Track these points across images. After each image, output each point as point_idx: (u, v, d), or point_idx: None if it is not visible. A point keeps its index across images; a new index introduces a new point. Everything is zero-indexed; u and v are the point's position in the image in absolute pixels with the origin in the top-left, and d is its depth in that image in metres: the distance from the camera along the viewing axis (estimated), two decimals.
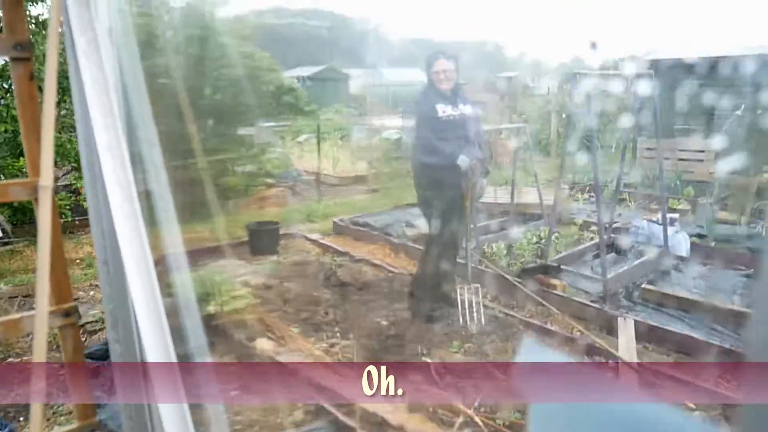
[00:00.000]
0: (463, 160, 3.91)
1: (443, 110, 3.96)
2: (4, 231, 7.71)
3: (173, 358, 0.74)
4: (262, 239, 5.76)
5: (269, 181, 8.10)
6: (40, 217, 0.79)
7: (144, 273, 0.76)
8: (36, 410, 0.69)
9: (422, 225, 6.35)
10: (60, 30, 0.85)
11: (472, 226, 4.41)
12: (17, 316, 0.90)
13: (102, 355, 3.51)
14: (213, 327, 3.67)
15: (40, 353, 0.70)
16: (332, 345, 3.80)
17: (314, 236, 6.40)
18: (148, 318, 0.74)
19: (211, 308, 3.87)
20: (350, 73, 26.00)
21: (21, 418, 3.20)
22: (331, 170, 9.91)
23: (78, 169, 7.28)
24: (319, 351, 3.63)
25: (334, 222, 6.94)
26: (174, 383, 0.71)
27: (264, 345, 3.53)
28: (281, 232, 6.14)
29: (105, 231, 0.90)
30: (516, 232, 6.17)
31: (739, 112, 8.46)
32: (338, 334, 3.98)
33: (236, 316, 3.79)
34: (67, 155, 6.65)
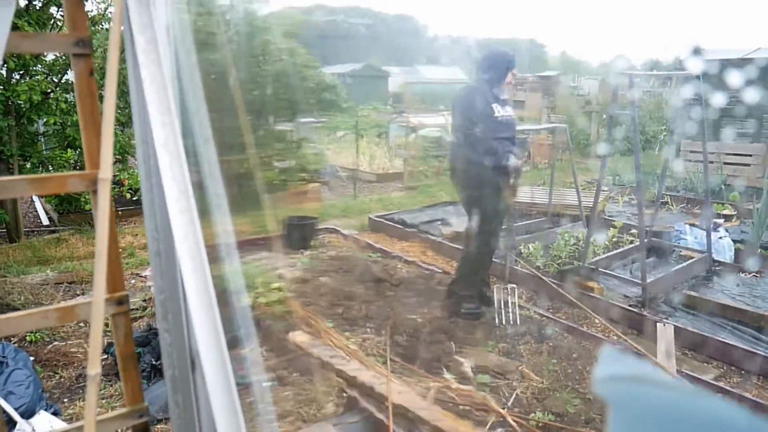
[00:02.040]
0: (513, 161, 3.94)
1: (498, 111, 3.97)
2: (51, 220, 8.00)
3: (224, 350, 0.76)
4: (298, 233, 5.82)
5: (306, 176, 8.17)
6: (99, 208, 0.82)
7: (198, 266, 0.78)
8: (92, 392, 0.72)
9: (458, 223, 6.35)
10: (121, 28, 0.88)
11: (511, 226, 4.38)
12: (72, 303, 0.94)
13: (143, 341, 3.61)
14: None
15: (96, 339, 0.73)
16: (365, 340, 3.82)
17: (350, 232, 6.44)
18: (201, 310, 0.76)
19: (248, 300, 3.94)
20: (389, 71, 26.02)
21: (65, 400, 3.31)
22: (367, 167, 9.95)
23: (121, 161, 7.49)
24: (353, 345, 3.65)
25: (369, 218, 6.97)
26: (225, 374, 0.74)
27: (299, 338, 3.57)
28: (318, 227, 6.20)
29: (158, 224, 0.93)
30: (553, 232, 6.10)
31: None
32: (371, 330, 4.00)
33: (272, 309, 3.85)
34: (130, 150, 6.93)
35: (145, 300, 4.63)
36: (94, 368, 0.75)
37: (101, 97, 0.95)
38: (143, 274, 5.29)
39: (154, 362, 3.46)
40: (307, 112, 8.51)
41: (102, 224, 0.80)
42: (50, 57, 6.80)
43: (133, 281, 5.16)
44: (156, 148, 0.81)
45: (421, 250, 6.01)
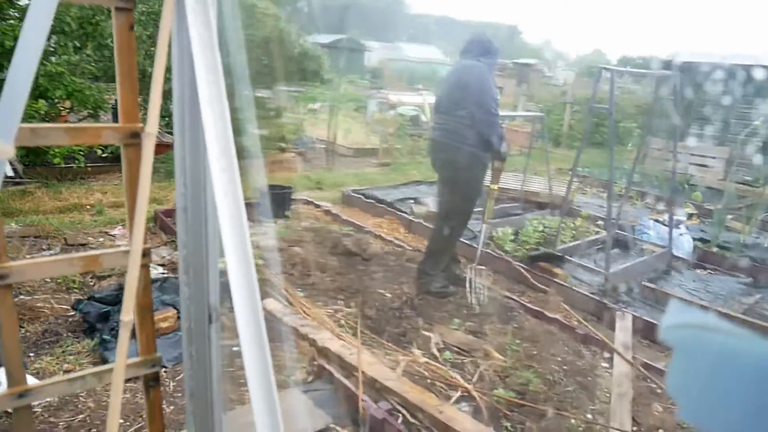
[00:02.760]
0: (505, 145, 4.05)
1: (496, 94, 4.06)
2: (15, 171, 7.78)
3: (259, 308, 0.80)
4: (273, 202, 5.82)
5: (282, 145, 8.13)
6: (142, 162, 0.85)
7: (237, 224, 0.82)
8: (123, 337, 0.75)
9: (430, 203, 6.43)
10: None
11: (489, 206, 4.48)
12: (97, 252, 0.96)
13: (112, 300, 3.60)
14: (222, 284, 3.75)
15: (132, 287, 0.76)
16: (336, 311, 3.89)
17: (323, 204, 6.47)
18: (239, 268, 0.80)
19: (220, 265, 3.95)
20: (369, 45, 25.80)
21: (31, 354, 3.30)
22: (343, 140, 9.93)
23: (94, 116, 7.30)
24: (324, 315, 3.71)
25: (342, 192, 7.00)
26: (259, 332, 0.78)
27: (270, 305, 3.61)
28: (292, 197, 6.21)
29: (188, 181, 0.95)
30: (523, 218, 6.23)
31: (758, 122, 8.46)
32: (342, 302, 4.07)
33: None
34: (85, 101, 6.69)
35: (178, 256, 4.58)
36: (128, 315, 0.78)
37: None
38: (112, 233, 5.23)
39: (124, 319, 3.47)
40: (286, 81, 8.43)
41: (144, 178, 0.83)
42: (24, 1, 6.54)
43: (101, 239, 5.10)
44: (201, 105, 0.83)
45: (393, 227, 6.08)
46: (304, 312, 3.71)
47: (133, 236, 0.83)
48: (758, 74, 9.11)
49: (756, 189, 8.26)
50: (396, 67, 20.19)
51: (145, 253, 0.93)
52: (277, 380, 2.96)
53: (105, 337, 3.28)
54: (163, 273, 4.29)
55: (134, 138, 0.95)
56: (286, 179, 7.01)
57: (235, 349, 3.10)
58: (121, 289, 3.69)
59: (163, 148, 6.36)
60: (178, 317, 3.50)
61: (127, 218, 0.89)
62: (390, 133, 9.74)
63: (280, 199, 5.90)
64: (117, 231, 5.25)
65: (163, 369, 3.08)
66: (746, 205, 7.25)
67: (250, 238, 0.89)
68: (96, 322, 3.42)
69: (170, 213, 5.30)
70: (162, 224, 5.22)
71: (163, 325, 3.31)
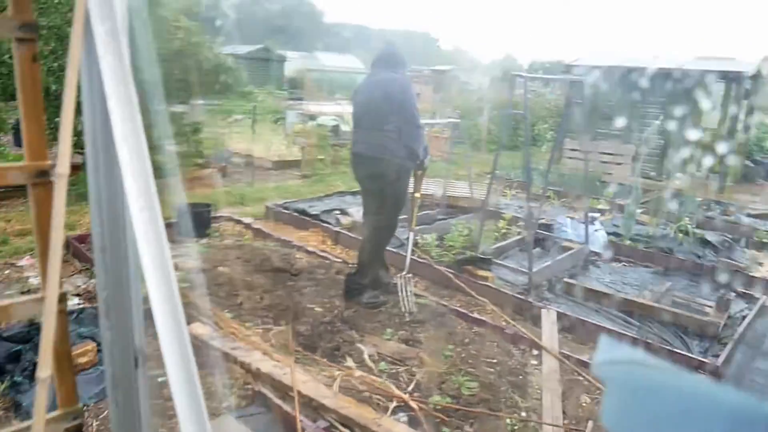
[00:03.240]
0: (428, 156, 4.14)
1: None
2: None
3: (190, 353, 0.76)
4: (193, 221, 5.63)
5: (200, 161, 7.90)
6: (55, 204, 0.78)
7: (159, 265, 0.77)
8: (41, 395, 0.69)
9: (356, 214, 6.43)
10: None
11: (414, 214, 4.53)
12: (7, 302, 0.87)
13: (23, 337, 3.37)
14: (145, 311, 3.58)
15: (47, 340, 0.69)
16: (267, 330, 3.80)
17: (247, 220, 6.32)
18: (165, 311, 0.75)
19: (141, 292, 3.78)
20: (285, 55, 25.57)
21: None
22: (263, 153, 9.78)
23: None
24: (254, 336, 3.62)
25: (266, 206, 6.87)
26: (190, 374, 0.74)
27: (197, 330, 3.48)
28: (213, 214, 6.03)
29: (105, 219, 0.89)
30: (447, 223, 6.35)
31: (658, 122, 9.03)
32: (272, 320, 3.98)
33: None
34: (3, 126, 6.35)
35: (22, 293, 4.29)
36: (45, 370, 0.72)
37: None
38: (19, 264, 4.89)
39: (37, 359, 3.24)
40: (202, 95, 8.20)
41: (58, 219, 0.76)
42: None
43: (7, 271, 4.76)
44: (116, 142, 0.78)
45: (319, 239, 6.03)
46: (234, 334, 3.60)
47: (48, 282, 0.77)
48: (656, 75, 9.75)
49: (660, 183, 8.81)
50: (314, 77, 20.11)
51: (61, 299, 0.86)
52: (208, 408, 2.85)
53: (17, 379, 3.05)
54: (79, 303, 4.05)
55: (42, 177, 0.89)
56: (206, 196, 6.81)
57: (160, 380, 2.96)
58: (32, 325, 3.45)
59: (71, 170, 6.01)
60: (98, 350, 3.31)
61: (38, 259, 0.83)
62: (311, 144, 9.68)
63: (201, 218, 5.71)
64: (25, 261, 4.91)
65: (85, 407, 2.90)
66: (653, 199, 7.71)
67: (171, 260, 0.85)
68: (5, 363, 3.17)
69: (83, 239, 5.02)
70: (75, 251, 4.93)
71: (82, 360, 3.12)
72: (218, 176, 8.26)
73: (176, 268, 3.45)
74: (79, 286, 4.37)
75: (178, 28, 6.67)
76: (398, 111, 3.94)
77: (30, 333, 3.36)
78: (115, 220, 0.85)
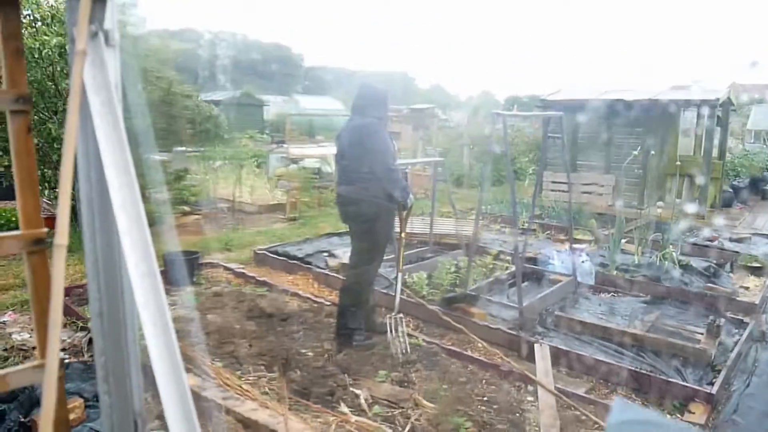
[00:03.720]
0: (411, 197, 4.15)
1: (394, 146, 4.13)
2: None
3: (195, 419, 0.75)
4: (179, 269, 5.57)
5: (185, 208, 7.87)
6: (54, 274, 0.78)
7: (161, 332, 0.76)
8: None
9: (343, 255, 6.42)
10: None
11: (401, 255, 4.53)
12: (5, 371, 0.86)
13: (7, 397, 3.27)
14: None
15: (48, 411, 0.68)
16: (259, 378, 3.74)
17: (233, 266, 6.28)
18: (169, 380, 0.75)
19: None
20: (266, 99, 25.83)
21: None
22: (248, 198, 9.77)
23: None
24: (246, 384, 3.56)
25: (253, 251, 6.84)
26: (192, 424, 0.72)
27: (188, 380, 3.41)
28: (199, 261, 5.98)
29: (102, 285, 0.89)
30: (434, 261, 6.35)
31: (636, 152, 9.21)
32: (264, 367, 3.92)
33: None
34: None
35: (5, 349, 4.19)
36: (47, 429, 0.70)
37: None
38: (2, 320, 4.79)
39: (22, 419, 3.14)
40: (184, 142, 8.24)
41: (57, 289, 0.76)
42: None
43: None
44: (114, 209, 0.78)
45: (307, 282, 6.00)
46: (225, 383, 3.53)
47: (48, 350, 0.76)
48: (632, 106, 9.99)
49: (642, 212, 8.94)
50: (295, 120, 20.30)
51: (60, 365, 0.84)
52: None
53: None
54: (64, 358, 3.96)
55: (39, 245, 0.88)
56: (192, 243, 6.77)
57: None
58: None
59: (50, 222, 5.96)
60: (86, 406, 3.23)
61: (35, 325, 0.82)
62: (295, 187, 9.71)
63: (188, 265, 5.66)
64: (8, 317, 4.81)
65: None
66: (636, 228, 7.81)
67: (172, 324, 0.84)
68: None
69: (68, 291, 4.94)
70: None
71: (71, 417, 3.03)
72: (203, 223, 8.23)
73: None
74: (65, 340, 4.27)
75: (159, 78, 6.73)
76: (371, 156, 4.04)
77: (14, 392, 3.26)
78: (113, 285, 0.85)
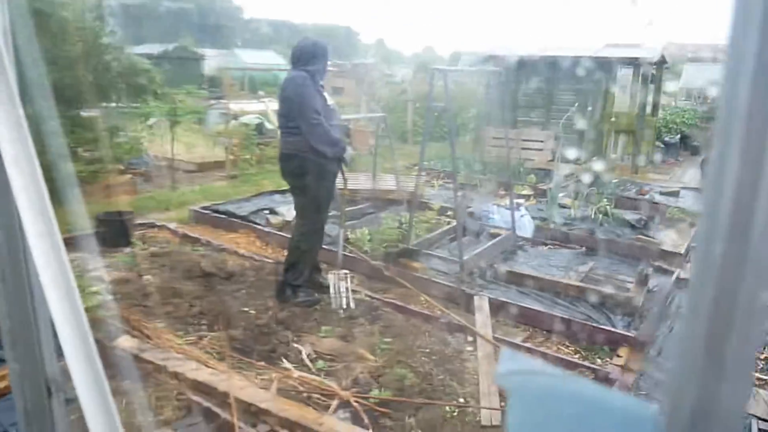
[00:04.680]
0: (348, 149, 4.07)
1: (327, 99, 4.03)
2: None
3: (104, 381, 0.71)
4: (114, 230, 5.38)
5: (119, 167, 7.55)
6: None
7: (64, 294, 0.72)
8: None
9: (285, 213, 6.35)
10: None
11: (343, 212, 4.51)
12: None
13: None
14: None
15: None
16: (200, 338, 3.70)
17: (172, 225, 6.11)
18: (73, 341, 0.71)
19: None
20: (203, 53, 24.82)
21: None
22: (186, 155, 9.46)
23: None
24: (187, 345, 3.51)
25: (192, 210, 6.67)
26: (105, 402, 0.69)
27: (126, 343, 3.34)
28: (135, 221, 5.79)
29: (1, 247, 0.83)
30: (377, 217, 6.37)
31: (573, 108, 9.40)
32: (205, 327, 3.88)
33: (92, 315, 3.54)
34: None
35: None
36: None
37: None
38: None
39: None
40: (115, 98, 7.84)
41: None
42: None
43: None
44: (6, 166, 0.72)
45: (249, 240, 5.92)
46: (165, 344, 3.48)
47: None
48: (570, 63, 10.13)
49: (579, 167, 9.19)
50: (234, 74, 19.62)
51: None
52: (143, 423, 2.74)
53: None
54: None
55: None
56: (127, 203, 6.53)
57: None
58: None
59: None
60: None
61: None
62: (235, 143, 9.46)
63: (123, 226, 5.47)
64: None
65: None
66: (573, 183, 8.04)
67: (76, 285, 0.80)
68: None
69: None
70: None
71: (1, 385, 2.92)
72: (139, 182, 7.94)
73: (99, 280, 3.28)
74: None
75: (83, 29, 6.33)
76: (295, 109, 4.00)
77: None
78: (13, 247, 0.79)
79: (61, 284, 0.72)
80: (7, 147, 0.72)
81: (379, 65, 20.67)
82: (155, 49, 21.40)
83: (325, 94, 4.10)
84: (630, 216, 6.96)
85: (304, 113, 3.95)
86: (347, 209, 6.19)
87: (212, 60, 24.53)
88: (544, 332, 4.14)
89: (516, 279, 4.93)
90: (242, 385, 3.01)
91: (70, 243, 5.03)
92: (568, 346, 3.99)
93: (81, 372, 0.71)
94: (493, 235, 5.99)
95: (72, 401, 0.87)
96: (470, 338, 3.94)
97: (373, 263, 5.00)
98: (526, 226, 6.24)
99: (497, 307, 4.33)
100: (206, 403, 2.85)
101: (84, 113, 6.93)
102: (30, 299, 0.81)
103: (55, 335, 0.79)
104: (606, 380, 3.38)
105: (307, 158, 4.01)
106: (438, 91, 5.53)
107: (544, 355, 3.69)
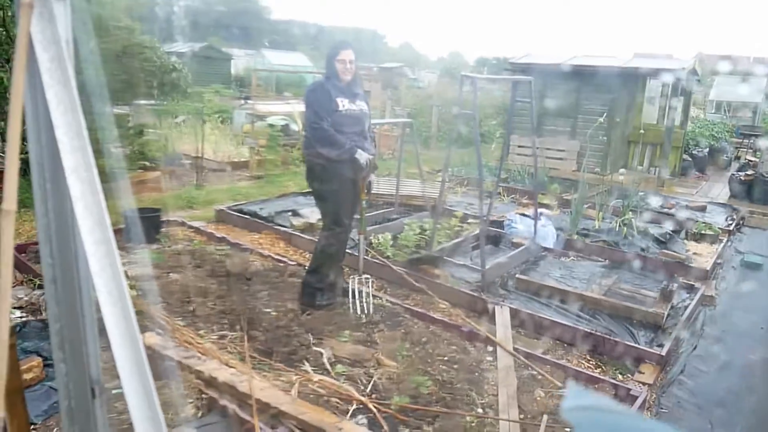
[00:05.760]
0: (360, 155, 4.00)
1: (343, 104, 3.98)
2: None
3: (152, 387, 0.74)
4: (141, 227, 5.46)
5: (146, 164, 7.68)
6: (3, 241, 0.74)
7: (118, 301, 0.74)
8: None
9: (309, 215, 6.39)
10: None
11: (362, 218, 4.52)
12: None
13: None
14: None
15: (1, 378, 0.66)
16: (222, 337, 3.74)
17: (197, 224, 6.19)
18: (124, 346, 0.73)
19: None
20: (231, 53, 25.11)
21: None
22: (212, 155, 9.58)
23: None
24: (209, 344, 3.55)
25: (217, 209, 6.75)
26: (153, 409, 0.71)
27: (150, 339, 3.39)
28: (161, 219, 5.88)
29: (54, 250, 0.86)
30: (400, 222, 6.38)
31: (601, 119, 9.31)
32: (227, 326, 3.92)
33: None
34: None
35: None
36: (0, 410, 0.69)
37: None
38: None
39: None
40: (146, 95, 7.98)
41: (6, 257, 0.73)
42: None
43: None
44: (66, 174, 0.75)
45: (272, 241, 5.96)
46: (188, 342, 3.53)
47: (1, 324, 0.73)
48: (598, 74, 10.04)
49: (604, 178, 9.10)
50: (262, 75, 19.81)
51: (11, 333, 0.82)
52: (165, 420, 2.78)
53: None
54: (21, 317, 3.88)
55: None
56: (154, 200, 6.64)
57: (115, 392, 2.88)
58: None
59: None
60: (44, 365, 3.19)
61: None
62: (261, 144, 9.54)
63: (150, 223, 5.55)
64: None
65: (33, 427, 2.79)
66: (597, 194, 7.96)
67: (128, 290, 0.82)
68: None
69: (23, 248, 4.82)
70: (16, 262, 4.71)
71: (28, 376, 3.00)
72: (165, 179, 8.05)
73: (126, 276, 3.33)
74: (21, 298, 4.18)
75: (119, 28, 6.45)
76: (306, 113, 4.17)
77: None
78: (66, 251, 0.82)
79: (113, 290, 0.75)
80: (68, 156, 0.75)
81: (404, 69, 20.68)
82: (185, 48, 21.72)
83: (341, 99, 4.02)
84: (655, 230, 6.87)
85: (307, 117, 4.13)
86: (371, 214, 6.21)
87: (240, 60, 24.81)
88: (565, 345, 4.11)
89: (537, 290, 4.90)
90: (262, 386, 3.04)
91: None
92: (589, 360, 3.95)
93: (129, 376, 0.73)
94: (516, 245, 5.96)
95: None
96: (490, 348, 3.92)
97: (394, 269, 5.01)
98: (548, 237, 6.20)
99: (518, 318, 4.30)
100: (227, 403, 2.88)
101: (114, 110, 7.06)
102: (80, 303, 0.83)
103: (99, 339, 0.81)
104: (627, 397, 3.34)
105: (316, 162, 4.08)
106: (464, 97, 5.52)
107: (564, 369, 3.65)
